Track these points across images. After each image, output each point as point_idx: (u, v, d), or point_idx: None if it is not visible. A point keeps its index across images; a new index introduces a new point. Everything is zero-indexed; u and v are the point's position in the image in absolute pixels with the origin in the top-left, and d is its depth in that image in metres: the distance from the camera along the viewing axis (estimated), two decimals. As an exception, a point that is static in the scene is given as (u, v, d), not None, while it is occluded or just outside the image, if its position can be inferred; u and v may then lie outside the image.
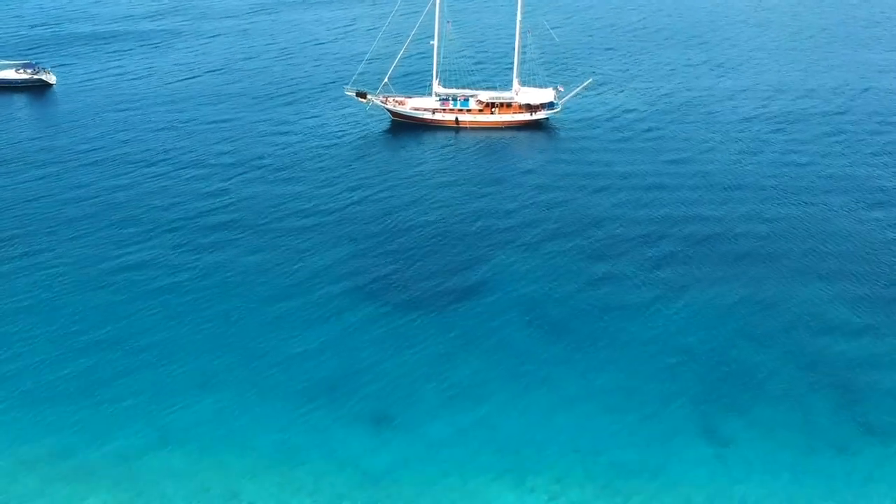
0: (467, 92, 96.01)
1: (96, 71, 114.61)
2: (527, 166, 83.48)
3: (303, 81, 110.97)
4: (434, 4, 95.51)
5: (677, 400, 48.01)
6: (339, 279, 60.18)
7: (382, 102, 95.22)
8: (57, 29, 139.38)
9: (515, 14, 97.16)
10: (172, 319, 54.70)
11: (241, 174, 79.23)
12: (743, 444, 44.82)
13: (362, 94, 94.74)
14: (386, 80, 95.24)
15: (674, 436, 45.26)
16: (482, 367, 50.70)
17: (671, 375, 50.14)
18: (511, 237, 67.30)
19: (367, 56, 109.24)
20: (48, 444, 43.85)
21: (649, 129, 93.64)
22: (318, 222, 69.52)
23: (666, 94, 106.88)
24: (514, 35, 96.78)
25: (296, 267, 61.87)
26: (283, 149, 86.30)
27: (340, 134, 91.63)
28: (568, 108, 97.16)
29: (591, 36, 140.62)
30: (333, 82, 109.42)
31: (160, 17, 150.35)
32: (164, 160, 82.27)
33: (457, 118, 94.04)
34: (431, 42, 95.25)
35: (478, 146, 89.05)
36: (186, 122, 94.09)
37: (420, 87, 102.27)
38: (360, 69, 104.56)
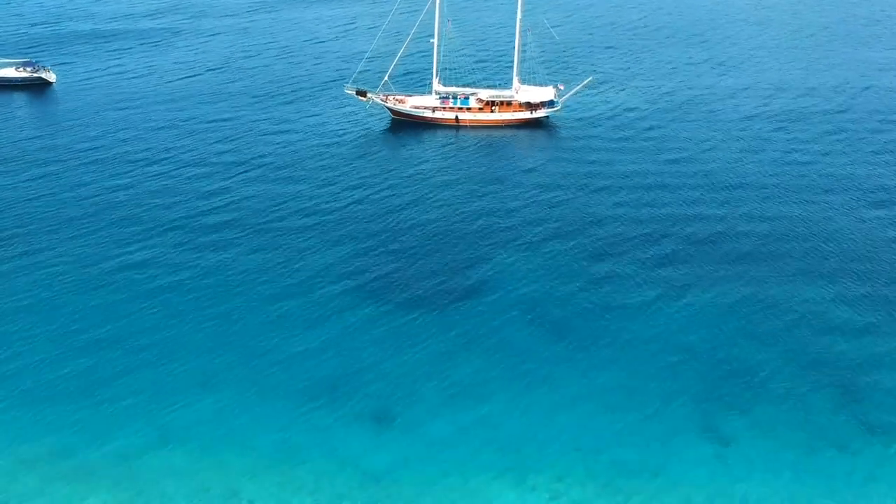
0: (467, 90, 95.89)
1: (96, 69, 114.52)
2: (527, 165, 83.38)
3: (303, 80, 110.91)
4: (434, 3, 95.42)
5: (678, 399, 47.98)
6: (339, 278, 60.13)
7: (383, 101, 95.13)
8: (57, 27, 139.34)
9: (515, 12, 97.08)
10: (173, 318, 54.64)
11: (241, 173, 79.14)
12: (744, 443, 44.79)
13: (363, 93, 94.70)
14: (386, 78, 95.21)
15: (675, 435, 45.23)
16: (483, 366, 50.65)
17: (672, 374, 50.10)
18: (512, 236, 67.23)
19: (367, 54, 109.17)
20: (48, 443, 43.80)
21: (650, 128, 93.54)
22: (318, 221, 69.45)
23: (667, 93, 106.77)
24: (514, 33, 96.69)
25: (296, 266, 61.80)
26: (284, 147, 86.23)
27: (341, 132, 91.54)
28: (568, 106, 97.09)
29: (591, 34, 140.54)
30: (334, 81, 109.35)
31: (160, 15, 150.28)
32: (164, 159, 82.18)
33: (457, 116, 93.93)
34: (431, 40, 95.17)
35: (478, 145, 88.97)
36: (187, 120, 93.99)
37: (420, 86, 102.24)
38: (360, 67, 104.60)
